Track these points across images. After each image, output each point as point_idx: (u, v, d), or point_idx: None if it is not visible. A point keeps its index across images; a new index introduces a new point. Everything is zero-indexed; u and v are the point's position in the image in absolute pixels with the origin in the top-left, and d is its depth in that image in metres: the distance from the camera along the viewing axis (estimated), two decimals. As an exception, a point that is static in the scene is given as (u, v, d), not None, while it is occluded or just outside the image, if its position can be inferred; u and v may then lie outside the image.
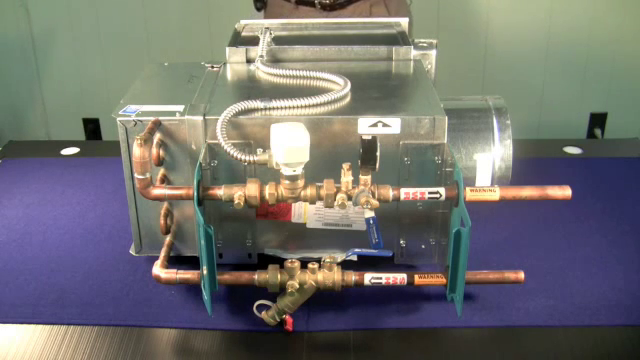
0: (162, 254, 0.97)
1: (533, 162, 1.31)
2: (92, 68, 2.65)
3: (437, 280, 0.91)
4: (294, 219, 0.99)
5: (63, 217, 1.21)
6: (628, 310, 0.95)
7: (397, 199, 0.88)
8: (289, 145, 0.83)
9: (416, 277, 0.91)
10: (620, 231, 1.14)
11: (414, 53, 1.14)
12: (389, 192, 0.87)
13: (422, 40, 1.18)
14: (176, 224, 1.00)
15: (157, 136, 0.94)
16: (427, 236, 0.99)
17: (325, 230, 1.00)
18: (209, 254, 0.85)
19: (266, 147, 0.87)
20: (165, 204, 0.98)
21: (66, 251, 1.11)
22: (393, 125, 0.92)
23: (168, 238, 1.01)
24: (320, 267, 0.89)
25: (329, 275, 0.89)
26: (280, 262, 0.91)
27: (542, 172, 1.30)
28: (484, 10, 2.47)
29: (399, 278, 0.91)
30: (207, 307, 0.89)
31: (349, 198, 0.86)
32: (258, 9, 1.75)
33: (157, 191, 0.89)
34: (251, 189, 0.86)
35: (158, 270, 0.93)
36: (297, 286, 0.88)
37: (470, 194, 0.88)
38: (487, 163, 1.05)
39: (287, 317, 0.92)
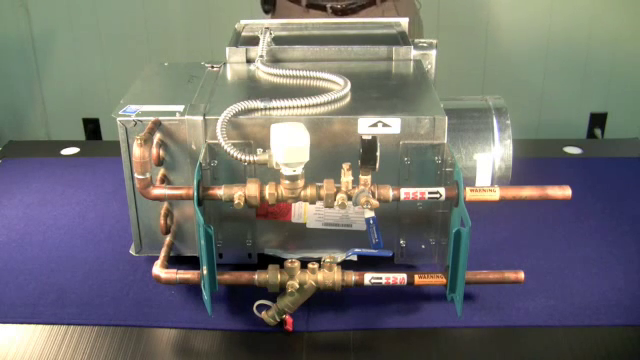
0: (162, 254, 0.97)
1: (533, 162, 1.31)
2: (92, 68, 2.65)
3: (437, 280, 0.91)
4: (294, 219, 0.99)
5: (63, 217, 1.21)
6: (628, 310, 0.95)
7: (397, 199, 0.88)
8: (289, 145, 0.83)
9: (416, 277, 0.91)
10: (620, 231, 1.14)
11: (414, 53, 1.14)
12: (389, 192, 0.87)
13: (422, 40, 1.18)
14: (176, 224, 1.00)
15: (157, 136, 0.94)
16: (427, 236, 0.99)
17: (325, 230, 1.00)
18: (209, 254, 0.85)
19: (266, 147, 0.87)
20: (165, 204, 0.98)
21: (66, 251, 1.11)
22: (393, 125, 0.92)
23: (168, 238, 1.01)
24: (320, 267, 0.90)
25: (329, 275, 0.89)
26: (280, 262, 0.91)
27: (542, 172, 1.30)
28: (484, 10, 2.48)
29: (399, 278, 0.91)
30: (207, 307, 0.89)
31: (349, 198, 0.86)
32: (266, 12, 1.75)
33: (157, 191, 0.89)
34: (251, 189, 0.86)
35: (158, 270, 0.93)
36: (297, 286, 0.88)
37: (470, 194, 0.88)
38: (487, 163, 1.05)
39: (287, 317, 0.92)
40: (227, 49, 1.14)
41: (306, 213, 0.99)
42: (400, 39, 1.19)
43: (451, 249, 0.87)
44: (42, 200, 1.27)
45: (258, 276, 0.90)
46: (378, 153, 0.83)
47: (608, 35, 2.48)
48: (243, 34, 1.23)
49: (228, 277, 0.91)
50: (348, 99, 0.98)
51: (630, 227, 1.15)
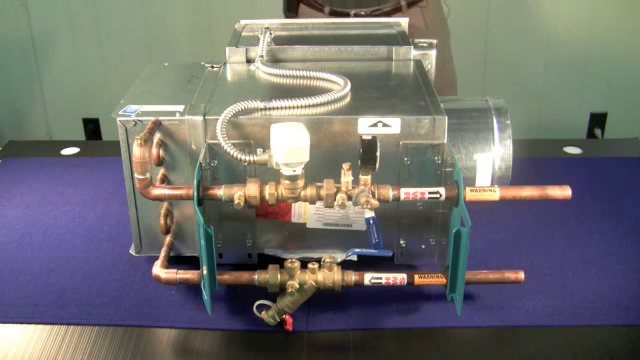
0: (162, 254, 0.97)
1: (533, 162, 1.31)
2: (92, 68, 2.66)
3: (437, 280, 0.91)
4: (294, 219, 0.99)
5: (63, 217, 1.21)
6: (628, 310, 0.95)
7: (397, 199, 0.88)
8: (289, 145, 0.83)
9: (416, 277, 0.91)
10: (620, 231, 1.14)
11: (414, 53, 1.14)
12: (389, 192, 0.87)
13: (422, 40, 1.18)
14: (176, 224, 1.00)
15: (157, 136, 0.94)
16: (427, 236, 0.99)
17: (325, 230, 1.00)
18: (209, 254, 0.85)
19: (266, 147, 0.87)
20: (165, 204, 0.98)
21: (66, 251, 1.11)
22: (393, 125, 0.92)
23: (168, 238, 1.01)
24: (320, 267, 0.89)
25: (329, 275, 0.89)
26: (280, 262, 0.91)
27: (542, 172, 1.30)
28: (484, 10, 2.48)
29: (399, 278, 0.91)
30: (207, 307, 0.89)
31: (349, 198, 0.86)
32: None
33: (157, 191, 0.89)
34: (251, 189, 0.86)
35: (158, 270, 0.93)
36: (297, 286, 0.88)
37: (470, 194, 0.88)
38: (487, 163, 1.05)
39: (287, 317, 0.92)
40: (227, 49, 1.14)
41: (306, 213, 0.99)
42: (400, 39, 1.19)
43: (451, 249, 0.87)
44: (42, 200, 1.27)
45: (258, 276, 0.90)
46: (378, 153, 0.83)
47: (608, 35, 2.48)
48: (243, 34, 1.23)
49: (228, 277, 0.91)
50: (348, 99, 0.98)
51: (630, 227, 1.15)
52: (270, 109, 0.94)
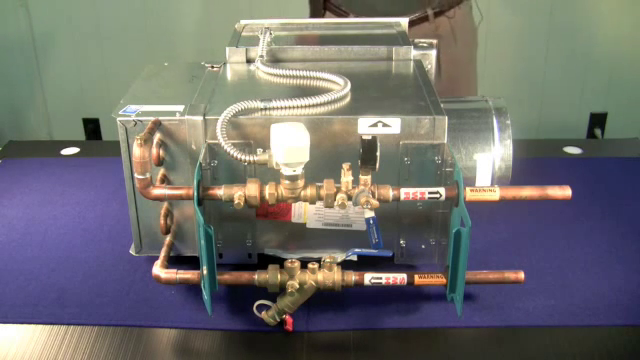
0: (162, 254, 0.97)
1: (533, 162, 1.31)
2: (92, 68, 2.66)
3: (437, 280, 0.91)
4: (294, 219, 0.99)
5: (63, 217, 1.21)
6: (628, 310, 0.95)
7: (397, 199, 0.88)
8: (289, 145, 0.83)
9: (416, 277, 0.91)
10: (620, 231, 1.14)
11: (414, 53, 1.14)
12: (389, 192, 0.87)
13: (422, 40, 1.18)
14: (176, 224, 1.00)
15: (157, 136, 0.94)
16: (427, 236, 0.99)
17: (325, 230, 1.00)
18: (209, 254, 0.85)
19: (266, 147, 0.87)
20: (165, 204, 0.98)
21: (66, 251, 1.11)
22: (393, 125, 0.92)
23: (168, 238, 1.01)
24: (320, 267, 0.89)
25: (329, 275, 0.89)
26: (280, 262, 0.91)
27: (542, 172, 1.30)
28: (484, 10, 2.47)
29: (399, 278, 0.91)
30: (207, 307, 0.89)
31: (349, 198, 0.86)
32: None
33: (157, 191, 0.89)
34: (251, 189, 0.86)
35: (158, 270, 0.93)
36: (297, 286, 0.88)
37: (470, 194, 0.88)
38: (487, 163, 1.05)
39: (287, 317, 0.92)
40: (227, 49, 1.14)
41: (306, 213, 0.99)
42: (400, 39, 1.19)
43: (451, 249, 0.87)
44: (42, 200, 1.27)
45: (258, 276, 0.90)
46: (378, 153, 0.83)
47: (608, 35, 2.48)
48: (243, 34, 1.23)
49: (228, 277, 0.91)
50: (348, 99, 0.98)
51: (630, 227, 1.15)
52: (270, 109, 0.94)
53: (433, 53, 1.16)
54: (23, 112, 2.79)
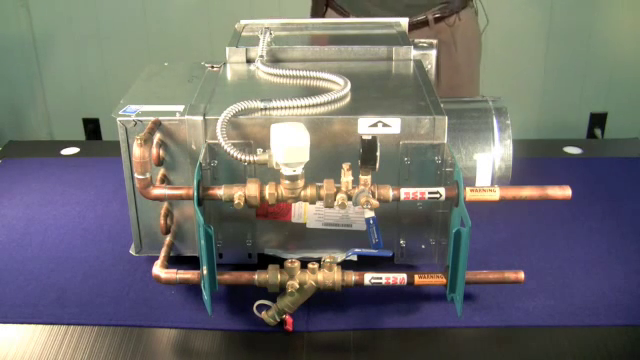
0: (162, 254, 0.97)
1: (533, 162, 1.31)
2: (92, 68, 2.66)
3: (437, 280, 0.91)
4: (294, 219, 0.99)
5: (63, 217, 1.21)
6: (628, 310, 0.95)
7: (397, 199, 0.88)
8: (289, 145, 0.83)
9: (416, 277, 0.91)
10: (620, 231, 1.14)
11: (414, 53, 1.14)
12: (389, 192, 0.87)
13: (422, 40, 1.18)
14: (176, 224, 1.00)
15: (157, 136, 0.94)
16: (427, 236, 0.99)
17: (325, 230, 1.00)
18: (209, 254, 0.85)
19: (266, 147, 0.87)
20: (165, 204, 0.98)
21: (66, 251, 1.11)
22: (393, 125, 0.92)
23: (168, 238, 1.01)
24: (320, 267, 0.89)
25: (329, 275, 0.89)
26: (280, 262, 0.91)
27: (542, 172, 1.30)
28: (484, 10, 2.47)
29: (399, 278, 0.91)
30: (207, 307, 0.89)
31: (349, 198, 0.86)
32: None
33: (157, 191, 0.89)
34: (251, 189, 0.86)
35: (158, 270, 0.93)
36: (297, 286, 0.88)
37: (470, 194, 0.88)
38: (487, 163, 1.05)
39: (287, 317, 0.92)
40: (227, 49, 1.14)
41: (306, 213, 0.99)
42: (400, 39, 1.19)
43: (451, 249, 0.87)
44: (42, 200, 1.27)
45: (258, 276, 0.90)
46: (378, 153, 0.83)
47: (608, 35, 2.48)
48: (243, 34, 1.23)
49: (228, 277, 0.91)
50: (348, 99, 0.98)
51: (630, 227, 1.15)
52: (270, 109, 0.94)
53: (433, 53, 1.16)
54: (23, 112, 2.79)
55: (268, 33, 1.17)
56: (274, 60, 1.13)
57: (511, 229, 1.15)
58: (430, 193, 0.87)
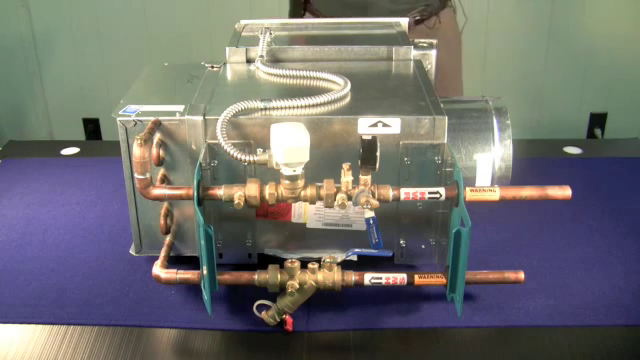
0: (162, 254, 0.97)
1: (533, 162, 1.31)
2: (92, 68, 2.66)
3: (437, 280, 0.91)
4: (294, 219, 0.99)
5: (63, 217, 1.21)
6: (628, 310, 0.95)
7: (397, 199, 0.88)
8: (289, 145, 0.83)
9: (416, 277, 0.91)
10: (620, 231, 1.14)
11: (414, 53, 1.14)
12: (389, 192, 0.87)
13: (422, 40, 1.18)
14: (176, 224, 1.00)
15: (157, 136, 0.94)
16: (427, 236, 0.99)
17: (325, 230, 1.00)
18: (209, 254, 0.85)
19: (266, 147, 0.87)
20: (165, 204, 0.98)
21: (66, 251, 1.11)
22: (393, 125, 0.92)
23: (168, 238, 1.01)
24: (320, 267, 0.89)
25: (329, 275, 0.89)
26: (280, 262, 0.91)
27: (542, 172, 1.30)
28: (484, 10, 2.48)
29: (399, 278, 0.91)
30: (207, 307, 0.89)
31: (349, 198, 0.86)
32: None
33: (157, 191, 0.89)
34: (251, 189, 0.86)
35: (158, 270, 0.93)
36: (297, 286, 0.88)
37: (470, 194, 0.88)
38: (487, 163, 1.05)
39: (287, 317, 0.92)
40: (227, 49, 1.14)
41: (306, 213, 0.99)
42: (400, 39, 1.19)
43: (451, 249, 0.87)
44: (42, 200, 1.27)
45: (258, 276, 0.90)
46: (378, 153, 0.83)
47: (608, 35, 2.48)
48: (243, 34, 1.23)
49: (228, 277, 0.91)
50: (348, 99, 0.98)
51: (630, 227, 1.15)
52: (270, 109, 0.94)
53: (433, 53, 1.16)
54: (23, 112, 2.79)
55: (268, 33, 1.17)
56: (274, 60, 1.13)
57: (511, 229, 1.15)
58: (430, 193, 0.87)
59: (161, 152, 0.94)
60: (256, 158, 0.86)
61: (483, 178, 1.06)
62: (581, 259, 1.07)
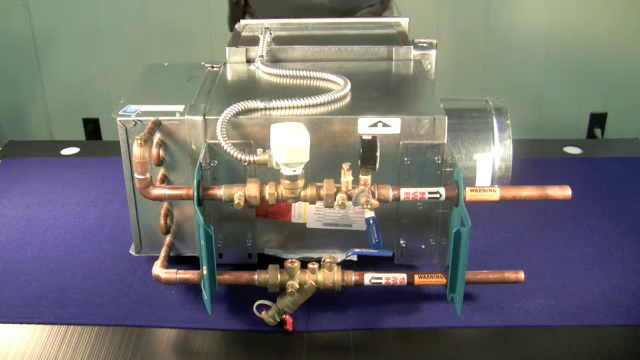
0: (162, 254, 0.97)
1: (533, 162, 1.31)
2: (92, 68, 2.65)
3: (437, 280, 0.91)
4: (294, 219, 0.99)
5: (63, 217, 1.21)
6: (628, 310, 0.95)
7: (397, 199, 0.88)
8: (289, 145, 0.83)
9: (416, 277, 0.91)
10: (620, 231, 1.14)
11: (414, 53, 1.14)
12: (389, 192, 0.87)
13: (422, 40, 1.18)
14: (176, 224, 1.00)
15: (157, 136, 0.94)
16: (427, 236, 0.99)
17: (325, 230, 1.00)
18: (209, 254, 0.85)
19: (266, 147, 0.87)
20: (165, 204, 0.98)
21: (66, 251, 1.11)
22: (393, 125, 0.92)
23: (168, 238, 1.01)
24: (320, 267, 0.89)
25: (329, 275, 0.89)
26: (280, 262, 0.91)
27: (542, 172, 1.30)
28: (484, 10, 2.47)
29: (399, 278, 0.91)
30: (207, 307, 0.89)
31: (349, 198, 0.86)
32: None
33: (157, 191, 0.89)
34: (251, 189, 0.86)
35: (158, 270, 0.93)
36: (297, 286, 0.88)
37: (470, 194, 0.88)
38: (487, 163, 1.05)
39: (287, 317, 0.92)
40: (227, 49, 1.14)
41: (306, 213, 0.99)
42: (400, 39, 1.19)
43: (451, 249, 0.87)
44: (42, 200, 1.27)
45: (258, 276, 0.90)
46: (378, 153, 0.83)
47: (608, 35, 2.48)
48: (243, 34, 1.23)
49: (228, 277, 0.91)
50: (348, 99, 0.98)
51: (630, 227, 1.15)
52: (270, 109, 0.94)
53: (433, 53, 1.16)
54: (23, 112, 2.78)
55: (268, 33, 1.17)
56: (274, 60, 1.13)
57: (511, 229, 1.15)
58: (430, 193, 0.87)
59: (161, 152, 0.94)
60: (256, 158, 0.86)
61: (483, 178, 1.06)
62: (581, 259, 1.07)
